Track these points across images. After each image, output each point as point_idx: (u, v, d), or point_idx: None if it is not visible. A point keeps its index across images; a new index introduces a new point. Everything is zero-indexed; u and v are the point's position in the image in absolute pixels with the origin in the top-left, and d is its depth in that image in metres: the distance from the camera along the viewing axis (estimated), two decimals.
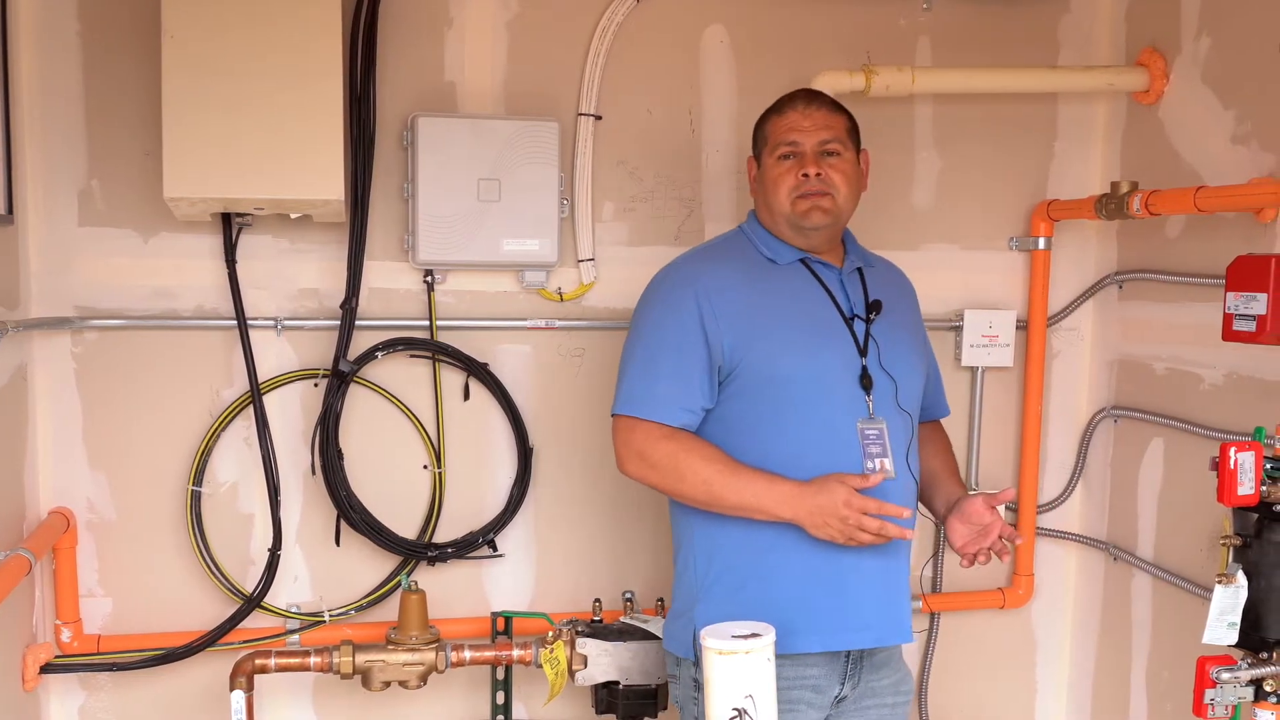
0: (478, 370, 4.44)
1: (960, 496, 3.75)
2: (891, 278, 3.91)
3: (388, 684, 4.12)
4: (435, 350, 4.40)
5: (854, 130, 3.72)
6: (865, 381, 3.56)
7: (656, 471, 3.57)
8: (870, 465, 3.49)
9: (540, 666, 4.16)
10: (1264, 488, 3.40)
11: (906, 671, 3.82)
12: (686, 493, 3.55)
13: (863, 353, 3.59)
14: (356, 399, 4.39)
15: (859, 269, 3.75)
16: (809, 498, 3.41)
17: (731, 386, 3.58)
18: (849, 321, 3.62)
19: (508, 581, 4.62)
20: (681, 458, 3.52)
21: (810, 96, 3.70)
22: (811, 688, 3.59)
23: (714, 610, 3.53)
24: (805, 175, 3.58)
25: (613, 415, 3.65)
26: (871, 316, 3.64)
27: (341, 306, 4.29)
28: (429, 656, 4.13)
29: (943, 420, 4.09)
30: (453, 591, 4.53)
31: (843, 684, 3.63)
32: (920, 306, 4.00)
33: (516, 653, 4.22)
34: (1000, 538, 3.61)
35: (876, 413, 3.56)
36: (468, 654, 4.19)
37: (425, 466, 4.48)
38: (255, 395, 4.26)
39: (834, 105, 3.70)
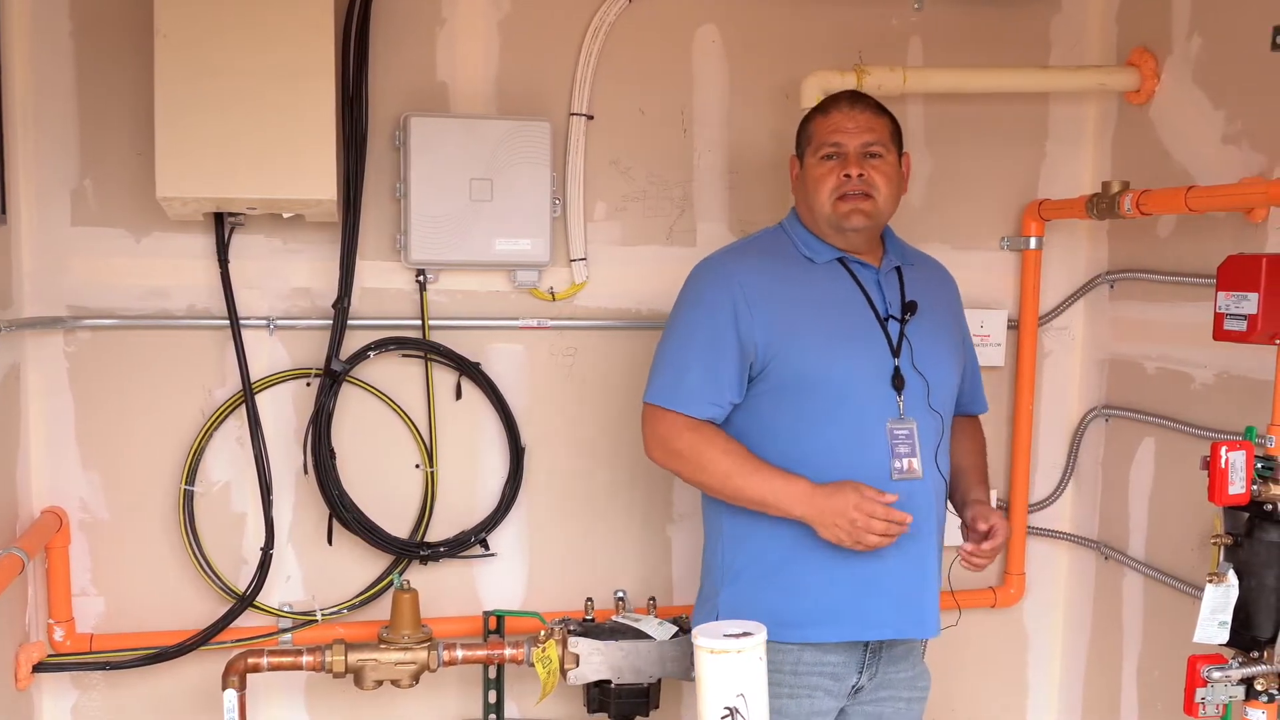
0: (470, 370, 4.44)
1: (971, 500, 3.85)
2: (932, 275, 3.94)
3: (380, 683, 4.13)
4: (427, 350, 4.41)
5: (897, 133, 3.75)
6: (897, 382, 3.59)
7: (679, 460, 3.68)
8: (898, 465, 3.56)
9: (532, 665, 4.17)
10: (1255, 487, 3.41)
11: (924, 668, 3.85)
12: (706, 482, 3.66)
13: (895, 353, 3.61)
14: (349, 398, 4.39)
15: (897, 268, 3.77)
16: (821, 499, 3.48)
17: (762, 383, 3.64)
18: (883, 322, 3.65)
19: (500, 580, 4.62)
20: (703, 449, 3.61)
21: (855, 98, 3.73)
22: (830, 675, 3.64)
23: (738, 597, 3.68)
24: (847, 176, 3.61)
25: (643, 402, 3.73)
26: (906, 317, 3.67)
27: (334, 306, 4.29)
28: (421, 655, 4.13)
29: None
30: (445, 590, 4.53)
31: (860, 673, 3.68)
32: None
33: (509, 652, 4.22)
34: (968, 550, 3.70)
35: (907, 413, 3.59)
36: (460, 653, 4.19)
37: (417, 466, 4.48)
38: (248, 395, 4.27)
39: (878, 108, 3.72)
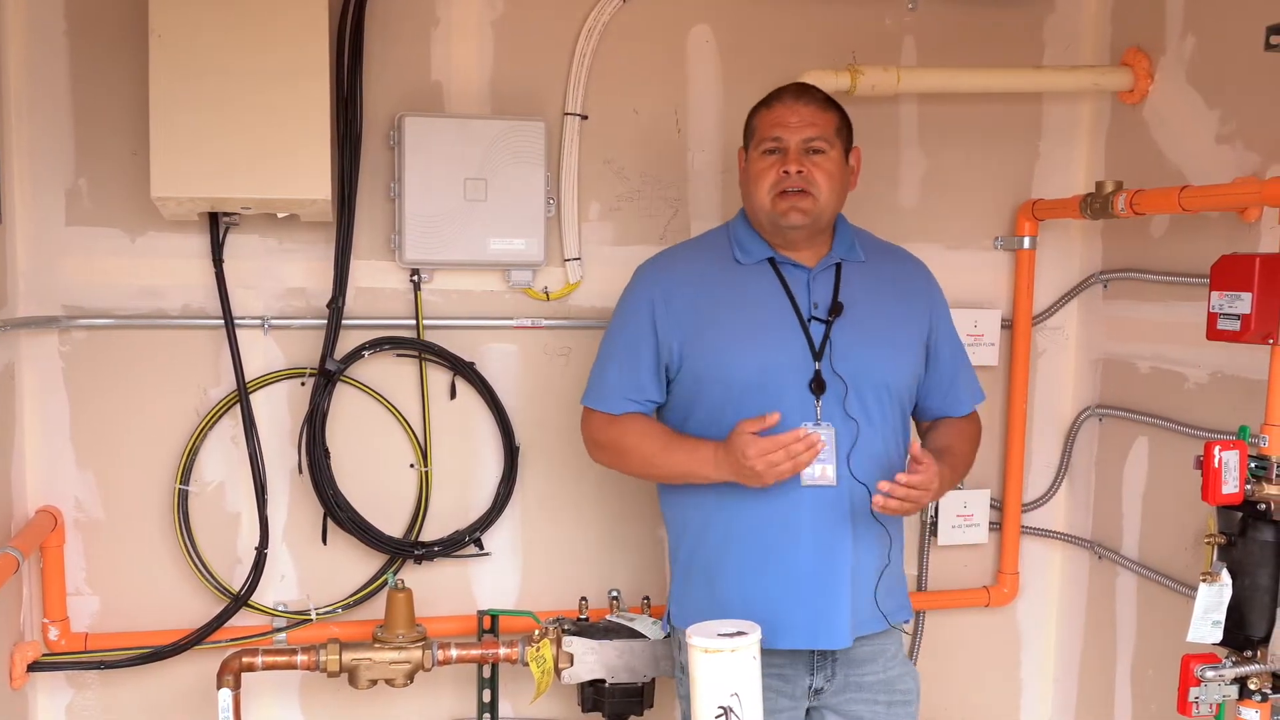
0: (464, 369, 4.44)
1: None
2: (892, 270, 3.89)
3: (374, 682, 4.13)
4: (422, 349, 4.41)
5: (844, 128, 3.72)
6: (815, 386, 3.57)
7: (606, 453, 3.83)
8: (809, 471, 3.51)
9: (526, 665, 4.17)
10: (1248, 486, 3.42)
11: (905, 671, 3.83)
12: (632, 469, 3.81)
13: (817, 356, 3.60)
14: (343, 398, 4.39)
15: (837, 265, 3.74)
16: (723, 457, 3.52)
17: (679, 383, 3.71)
18: (805, 324, 3.63)
19: (494, 580, 4.62)
20: (622, 438, 3.75)
21: (800, 92, 3.71)
22: (779, 676, 3.67)
23: (679, 596, 3.84)
24: (786, 172, 3.59)
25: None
26: (831, 319, 3.64)
27: (328, 305, 4.29)
28: (415, 655, 4.13)
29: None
30: (439, 590, 4.53)
31: (812, 674, 3.70)
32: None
33: (503, 651, 4.22)
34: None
35: (825, 418, 3.56)
36: (454, 652, 4.19)
37: (412, 465, 4.48)
38: (242, 394, 4.27)
39: (823, 101, 3.70)
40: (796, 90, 3.72)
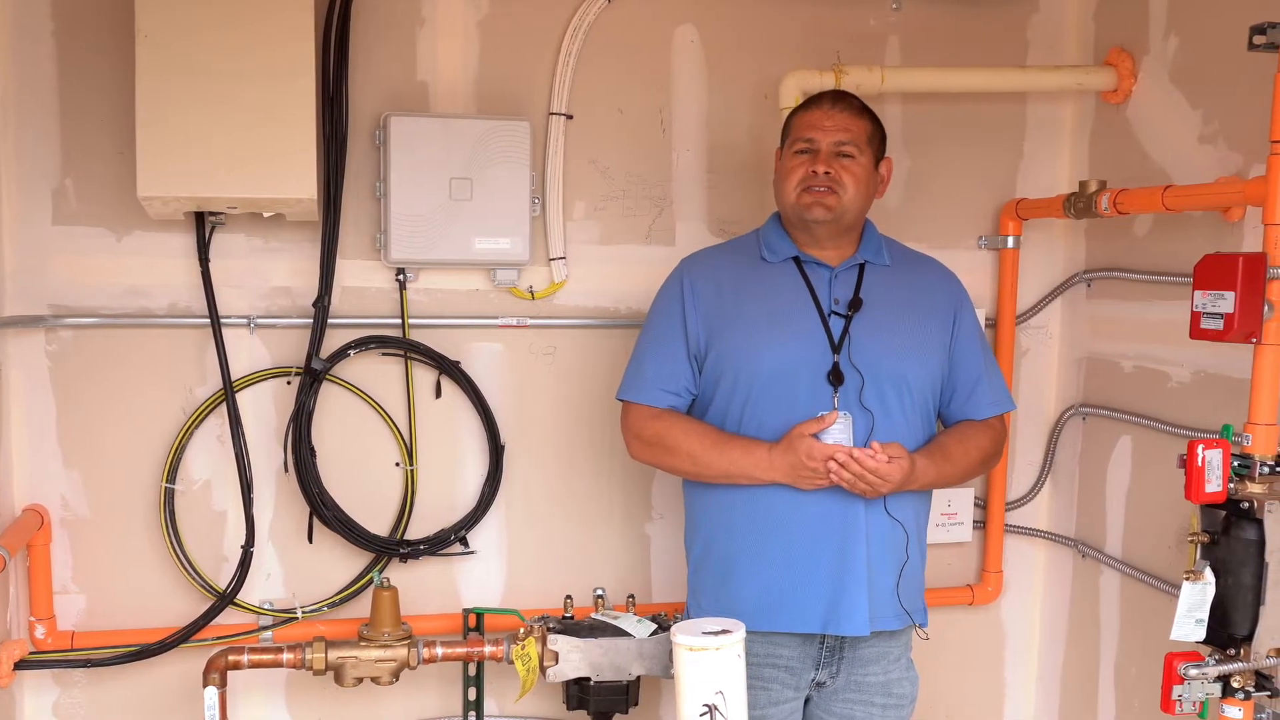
0: (449, 368, 4.45)
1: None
2: (918, 274, 3.94)
3: (360, 680, 4.13)
4: (407, 348, 4.41)
5: (876, 137, 3.80)
6: (834, 378, 3.62)
7: (650, 449, 3.82)
8: None
9: (512, 663, 4.17)
10: (1231, 485, 3.42)
11: (909, 675, 3.87)
12: (677, 465, 3.79)
13: (835, 349, 3.64)
14: (329, 397, 4.40)
15: (861, 265, 3.80)
16: (779, 458, 3.58)
17: (706, 374, 3.76)
18: (825, 318, 3.68)
19: (479, 578, 4.63)
20: (668, 434, 3.75)
21: (837, 98, 3.80)
22: (785, 669, 3.72)
23: (696, 587, 3.86)
24: (814, 172, 3.66)
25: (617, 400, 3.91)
26: (850, 314, 3.69)
27: (314, 305, 4.29)
28: (401, 653, 4.13)
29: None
30: (425, 588, 4.54)
31: (818, 669, 3.73)
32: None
33: (488, 649, 4.22)
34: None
35: (843, 408, 3.61)
36: (439, 650, 4.19)
37: (397, 464, 4.48)
38: (228, 393, 4.27)
39: (859, 110, 3.78)
40: (834, 96, 3.81)
